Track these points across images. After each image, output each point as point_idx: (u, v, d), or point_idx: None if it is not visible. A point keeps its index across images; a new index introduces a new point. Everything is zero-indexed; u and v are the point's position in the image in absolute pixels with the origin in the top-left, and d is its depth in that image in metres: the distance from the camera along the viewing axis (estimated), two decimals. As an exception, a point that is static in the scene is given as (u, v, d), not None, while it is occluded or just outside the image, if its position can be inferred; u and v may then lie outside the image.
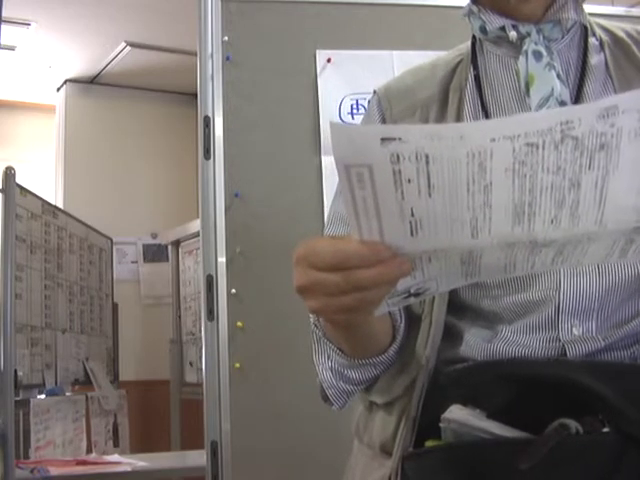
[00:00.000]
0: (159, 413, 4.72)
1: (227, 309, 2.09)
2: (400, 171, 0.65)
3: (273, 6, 2.28)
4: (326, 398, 1.02)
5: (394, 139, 0.63)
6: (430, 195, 0.66)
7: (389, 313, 0.96)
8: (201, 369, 2.18)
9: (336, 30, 2.29)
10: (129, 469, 2.74)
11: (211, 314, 2.09)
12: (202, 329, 2.12)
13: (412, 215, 0.67)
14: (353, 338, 0.92)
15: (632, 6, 2.79)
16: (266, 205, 2.16)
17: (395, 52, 2.26)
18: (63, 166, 5.14)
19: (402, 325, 0.98)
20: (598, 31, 1.03)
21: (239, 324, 2.09)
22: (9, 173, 2.87)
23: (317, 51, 2.25)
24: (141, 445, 4.28)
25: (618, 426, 0.81)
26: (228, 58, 2.19)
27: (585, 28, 1.01)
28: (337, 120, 2.17)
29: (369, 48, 2.26)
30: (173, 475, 3.36)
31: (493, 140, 0.64)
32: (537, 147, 0.64)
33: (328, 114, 2.20)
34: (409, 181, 0.65)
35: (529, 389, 0.85)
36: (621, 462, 0.80)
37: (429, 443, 0.89)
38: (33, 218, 3.24)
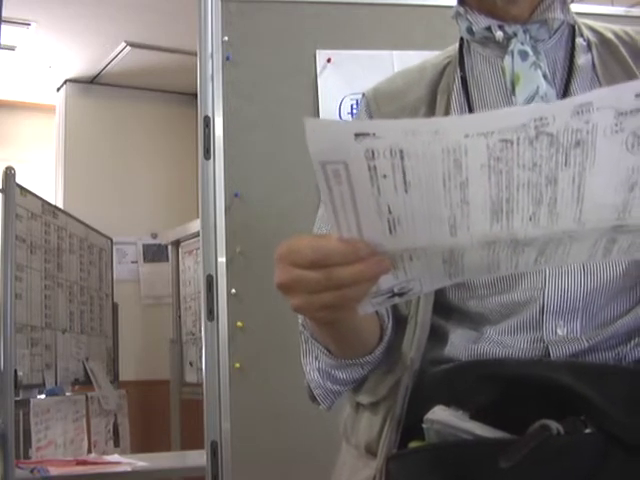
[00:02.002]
0: (159, 413, 4.71)
1: (227, 309, 2.09)
2: (375, 167, 0.65)
3: (273, 6, 2.28)
4: (314, 398, 1.02)
5: (368, 134, 0.63)
6: (406, 191, 0.66)
7: (377, 313, 0.96)
8: (201, 369, 2.18)
9: (336, 30, 2.29)
10: (129, 469, 2.74)
11: (211, 314, 2.09)
12: (202, 329, 2.12)
13: (390, 212, 0.67)
14: (340, 338, 0.92)
15: (632, 6, 2.79)
16: (266, 205, 2.16)
17: (395, 52, 2.26)
18: (63, 166, 5.14)
19: (389, 325, 0.98)
20: (586, 32, 1.03)
21: (239, 324, 2.09)
22: (9, 173, 2.87)
23: (317, 51, 2.25)
24: (141, 445, 4.28)
25: (601, 427, 0.81)
26: (228, 58, 2.19)
27: (573, 29, 1.01)
28: (337, 120, 2.17)
29: (369, 48, 2.27)
30: (173, 475, 3.36)
31: (467, 136, 0.63)
32: (512, 143, 0.63)
33: (328, 114, 2.20)
34: (385, 177, 0.65)
35: (512, 389, 0.85)
36: (605, 463, 0.80)
37: (413, 444, 0.89)
38: (33, 218, 3.24)
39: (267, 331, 2.12)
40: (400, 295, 0.76)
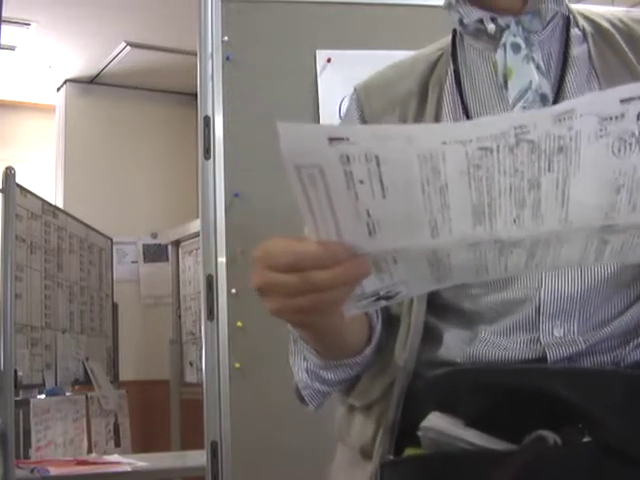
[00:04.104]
0: (159, 413, 4.71)
1: (227, 309, 2.09)
2: (351, 172, 0.63)
3: (273, 6, 2.28)
4: (302, 399, 1.00)
5: (342, 139, 0.62)
6: (384, 196, 0.64)
7: (365, 313, 0.94)
8: (201, 369, 2.18)
9: (336, 30, 2.29)
10: (129, 469, 2.74)
11: (211, 314, 2.09)
12: (202, 329, 2.12)
13: (369, 216, 0.66)
14: (324, 339, 0.89)
15: (632, 6, 2.79)
16: (266, 205, 2.16)
17: (395, 52, 2.26)
18: (63, 166, 5.14)
19: (379, 326, 0.96)
20: (581, 21, 1.00)
21: (239, 324, 2.09)
22: (9, 173, 2.87)
23: (317, 51, 2.25)
24: (141, 445, 4.28)
25: (598, 437, 0.78)
26: (228, 58, 2.19)
27: (568, 19, 0.99)
28: (337, 121, 2.17)
29: (369, 48, 2.26)
30: (173, 475, 3.36)
31: (444, 143, 0.62)
32: (491, 151, 0.62)
33: (328, 114, 2.20)
34: (361, 182, 0.64)
35: (506, 398, 0.83)
36: (602, 475, 0.77)
37: (409, 451, 0.87)
38: (33, 218, 3.24)
39: (267, 331, 2.11)
40: (386, 299, 0.75)
